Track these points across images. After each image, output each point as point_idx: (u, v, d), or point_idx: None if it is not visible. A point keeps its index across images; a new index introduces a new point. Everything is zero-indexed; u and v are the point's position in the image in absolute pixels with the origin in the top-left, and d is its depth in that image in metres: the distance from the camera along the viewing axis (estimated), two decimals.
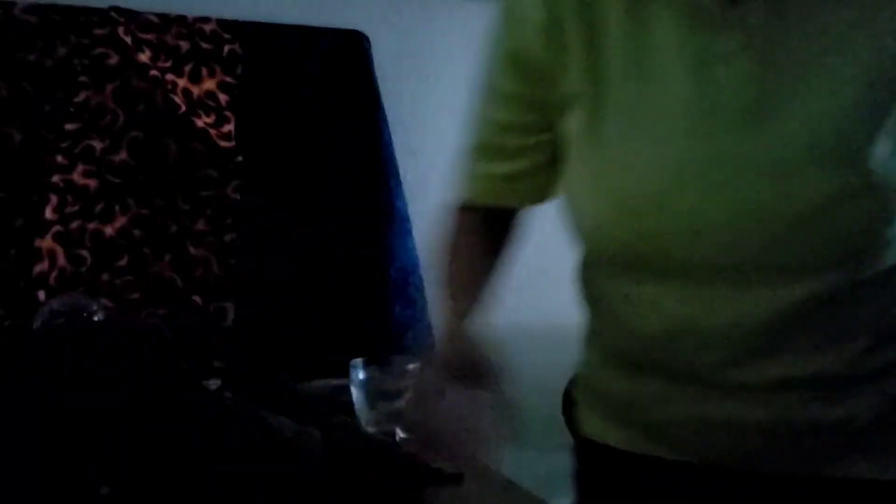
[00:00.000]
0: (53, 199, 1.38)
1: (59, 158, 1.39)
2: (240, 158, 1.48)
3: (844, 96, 0.63)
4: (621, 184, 0.69)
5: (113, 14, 1.43)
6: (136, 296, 1.43)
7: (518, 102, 0.81)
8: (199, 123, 1.46)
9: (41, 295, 1.36)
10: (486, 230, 0.90)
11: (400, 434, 1.08)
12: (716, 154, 0.65)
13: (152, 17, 1.46)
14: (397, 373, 1.06)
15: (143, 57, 1.44)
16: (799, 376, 0.68)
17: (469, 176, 0.87)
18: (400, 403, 1.06)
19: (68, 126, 1.40)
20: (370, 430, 1.06)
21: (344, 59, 1.58)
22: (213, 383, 1.28)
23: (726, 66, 0.65)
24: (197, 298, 1.45)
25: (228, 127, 1.49)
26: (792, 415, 0.69)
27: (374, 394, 1.06)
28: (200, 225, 1.46)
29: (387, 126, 1.60)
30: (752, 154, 0.64)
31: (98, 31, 1.42)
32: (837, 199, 0.62)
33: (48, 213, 1.38)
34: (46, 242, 1.38)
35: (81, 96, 1.41)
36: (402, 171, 1.63)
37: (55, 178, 1.39)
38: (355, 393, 1.09)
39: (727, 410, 0.71)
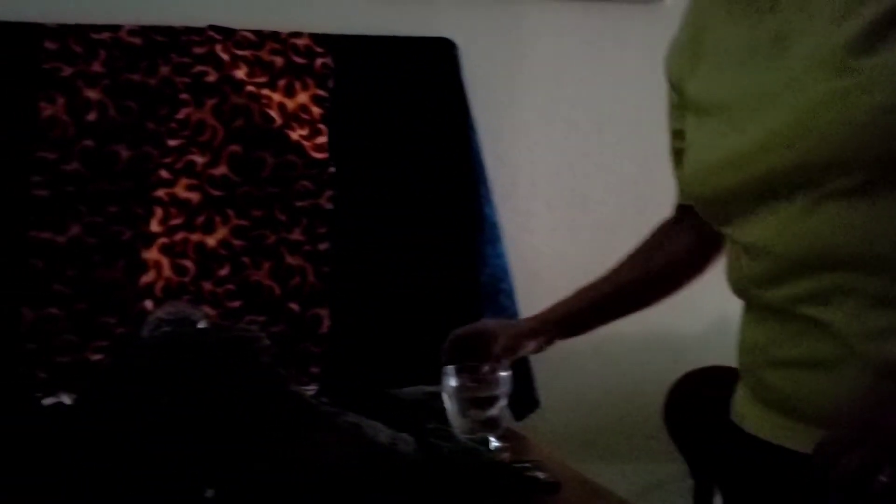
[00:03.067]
0: (159, 212, 1.45)
1: (164, 173, 1.45)
2: (333, 169, 1.51)
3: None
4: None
5: (211, 32, 1.49)
6: (236, 304, 1.48)
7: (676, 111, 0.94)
8: (294, 136, 1.50)
9: (148, 304, 1.42)
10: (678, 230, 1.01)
11: (494, 442, 1.08)
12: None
13: (248, 34, 1.51)
14: (489, 381, 1.06)
15: (240, 73, 1.49)
16: None
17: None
18: (493, 412, 1.06)
19: (171, 142, 1.46)
20: (463, 437, 1.06)
21: (433, 68, 1.59)
22: (311, 389, 1.31)
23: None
24: (294, 306, 1.49)
25: (322, 139, 1.53)
26: None
27: (466, 401, 1.06)
28: (296, 234, 1.50)
29: (476, 133, 1.60)
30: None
31: (197, 50, 1.48)
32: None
33: (154, 226, 1.44)
34: (152, 254, 1.44)
35: (183, 113, 1.47)
36: (491, 177, 1.63)
37: (160, 193, 1.45)
38: (447, 400, 1.09)
39: None
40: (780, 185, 0.73)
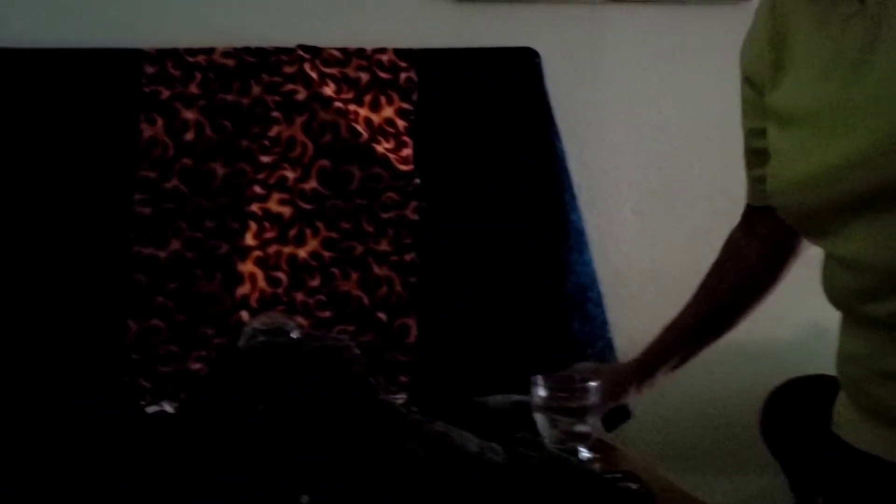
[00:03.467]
0: (253, 226, 1.50)
1: (257, 189, 1.50)
2: (418, 181, 1.53)
3: None
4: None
5: (300, 52, 1.54)
6: (327, 314, 1.52)
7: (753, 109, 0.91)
8: (380, 150, 1.53)
9: (244, 315, 1.47)
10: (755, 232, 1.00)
11: (584, 453, 1.07)
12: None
13: (335, 52, 1.55)
14: (578, 390, 1.05)
15: (328, 90, 1.53)
16: None
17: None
18: (583, 422, 1.05)
19: (264, 158, 1.51)
20: (552, 448, 1.06)
21: (516, 77, 1.60)
22: (400, 398, 1.33)
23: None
24: (382, 315, 1.51)
25: (407, 151, 1.55)
26: None
27: (556, 411, 1.06)
28: (383, 245, 1.53)
29: (559, 139, 1.60)
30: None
31: (287, 69, 1.53)
32: None
33: (248, 240, 1.49)
34: (248, 266, 1.49)
35: (274, 131, 1.52)
36: (576, 184, 1.62)
37: (254, 207, 1.50)
38: (536, 410, 1.09)
39: None
40: (876, 198, 0.71)
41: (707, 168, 1.70)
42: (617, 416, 1.59)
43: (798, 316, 1.69)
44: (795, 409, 1.50)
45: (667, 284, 1.70)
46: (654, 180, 1.69)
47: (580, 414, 1.07)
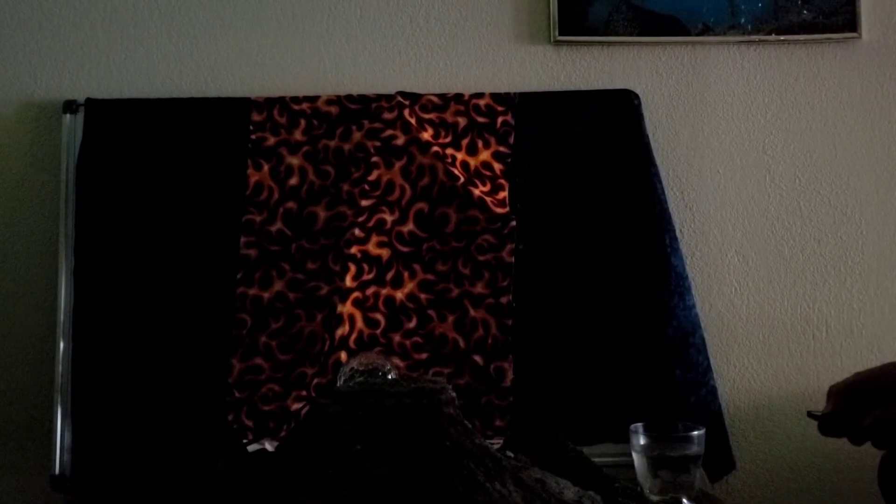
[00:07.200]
0: (352, 268, 1.53)
1: (357, 232, 1.54)
2: (514, 223, 1.54)
3: None
4: None
5: (399, 98, 1.57)
6: (423, 356, 1.52)
7: None
8: (476, 192, 1.54)
9: (343, 355, 1.49)
10: None
11: None
12: None
13: (433, 98, 1.58)
14: (680, 440, 1.02)
15: (426, 135, 1.56)
16: None
17: None
18: (685, 472, 1.02)
19: (364, 202, 1.55)
20: (653, 498, 1.03)
21: (614, 119, 1.59)
22: (496, 442, 1.31)
23: None
24: (478, 358, 1.51)
25: (503, 194, 1.56)
26: None
27: (657, 461, 1.03)
28: (479, 288, 1.53)
29: (660, 182, 1.57)
30: None
31: (387, 115, 1.57)
32: None
33: (348, 282, 1.52)
34: (347, 308, 1.52)
35: (374, 175, 1.55)
36: (679, 227, 1.59)
37: (353, 250, 1.53)
38: (636, 459, 1.06)
39: None
40: None
41: (815, 210, 1.64)
42: (720, 466, 1.53)
43: None
44: None
45: (773, 330, 1.64)
46: (759, 223, 1.64)
47: (682, 463, 1.04)
